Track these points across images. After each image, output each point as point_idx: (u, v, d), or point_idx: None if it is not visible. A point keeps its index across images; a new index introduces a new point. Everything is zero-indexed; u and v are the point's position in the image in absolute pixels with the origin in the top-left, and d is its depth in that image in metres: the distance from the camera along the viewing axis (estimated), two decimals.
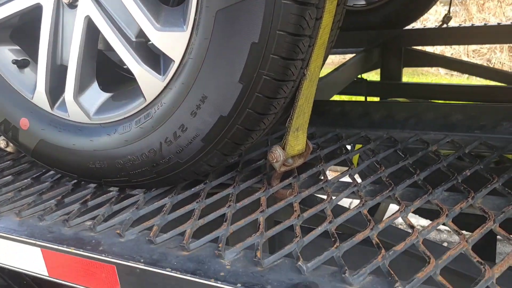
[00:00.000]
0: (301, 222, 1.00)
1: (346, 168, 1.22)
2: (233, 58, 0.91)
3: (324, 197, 1.09)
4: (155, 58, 1.05)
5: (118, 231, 1.02)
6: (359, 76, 3.34)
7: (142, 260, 0.92)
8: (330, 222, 0.96)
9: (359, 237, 0.90)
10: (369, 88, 3.32)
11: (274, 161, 1.11)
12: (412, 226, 0.90)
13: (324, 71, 2.36)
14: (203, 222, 1.04)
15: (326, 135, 1.53)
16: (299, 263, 0.83)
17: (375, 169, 1.21)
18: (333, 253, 0.86)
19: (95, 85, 1.18)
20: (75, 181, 1.32)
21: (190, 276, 0.86)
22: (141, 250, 0.96)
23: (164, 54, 1.00)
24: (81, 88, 1.17)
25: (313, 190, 1.15)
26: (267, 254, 0.89)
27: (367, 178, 1.17)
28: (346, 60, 2.84)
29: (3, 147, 1.60)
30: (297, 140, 1.12)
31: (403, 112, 1.55)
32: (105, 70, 1.29)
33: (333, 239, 0.89)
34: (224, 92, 0.95)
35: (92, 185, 1.30)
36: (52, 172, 1.38)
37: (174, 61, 0.99)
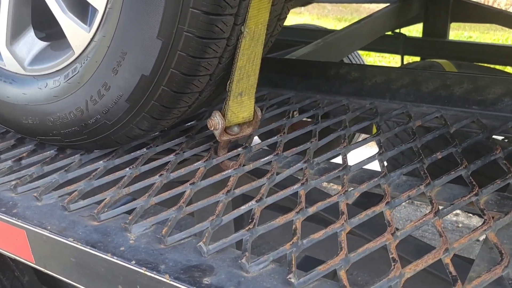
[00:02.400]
0: (229, 199, 1.03)
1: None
2: (149, 11, 0.93)
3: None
4: (83, 7, 1.07)
5: (35, 194, 1.09)
6: (397, 30, 3.23)
7: (49, 227, 0.99)
8: (258, 201, 0.98)
9: (279, 220, 0.92)
10: (407, 45, 3.21)
11: (213, 128, 1.13)
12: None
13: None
14: (128, 191, 1.09)
15: (303, 102, 1.53)
16: (200, 244, 0.87)
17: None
18: (242, 235, 0.88)
19: (30, 33, 1.23)
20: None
21: (90, 249, 0.91)
22: (53, 216, 1.03)
23: (89, 2, 1.03)
24: (14, 34, 1.22)
25: (258, 164, 1.17)
26: (176, 231, 0.93)
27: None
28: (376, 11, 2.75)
29: None
30: (241, 107, 1.13)
31: (400, 80, 1.52)
32: (44, 17, 1.34)
33: (250, 221, 0.91)
34: (143, 48, 0.97)
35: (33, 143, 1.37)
36: None
37: (98, 10, 1.02)
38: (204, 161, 1.18)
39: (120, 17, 0.98)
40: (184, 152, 1.25)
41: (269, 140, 1.28)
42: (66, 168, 1.20)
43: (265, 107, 1.53)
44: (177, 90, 1.03)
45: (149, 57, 0.98)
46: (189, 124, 1.43)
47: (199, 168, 1.15)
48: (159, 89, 1.02)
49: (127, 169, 1.17)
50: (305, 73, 1.66)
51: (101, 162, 1.22)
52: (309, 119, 1.46)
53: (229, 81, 1.08)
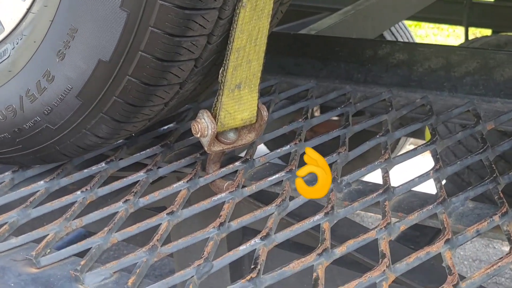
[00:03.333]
0: (223, 234, 1.03)
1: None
2: None
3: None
4: None
5: None
6: None
7: None
8: (263, 238, 0.98)
9: (295, 266, 0.92)
10: (474, 14, 3.22)
11: (199, 135, 1.13)
12: None
13: None
14: (80, 224, 1.09)
15: (326, 95, 1.54)
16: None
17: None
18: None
19: None
20: None
21: None
22: None
23: None
24: None
25: (264, 184, 1.17)
26: (149, 281, 0.93)
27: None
28: None
29: None
30: (239, 104, 1.13)
31: (464, 64, 1.52)
32: None
33: (252, 266, 0.92)
34: (101, 23, 0.98)
35: None
36: None
37: None
38: (187, 181, 1.18)
39: None
40: (158, 168, 1.26)
41: (279, 150, 1.28)
42: None
43: (274, 104, 1.53)
44: (148, 81, 1.04)
45: (109, 35, 0.98)
46: (165, 128, 1.44)
47: (180, 190, 1.16)
48: (124, 80, 1.03)
49: (79, 192, 1.18)
50: (329, 55, 1.67)
51: (41, 182, 1.23)
52: (335, 120, 1.46)
53: (222, 68, 1.08)
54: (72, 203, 1.15)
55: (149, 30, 0.97)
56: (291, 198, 1.12)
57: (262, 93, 1.50)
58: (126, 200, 1.13)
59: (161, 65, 1.02)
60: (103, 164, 1.28)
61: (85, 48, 1.01)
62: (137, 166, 1.29)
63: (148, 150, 1.33)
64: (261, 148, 1.32)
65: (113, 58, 1.00)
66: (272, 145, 1.36)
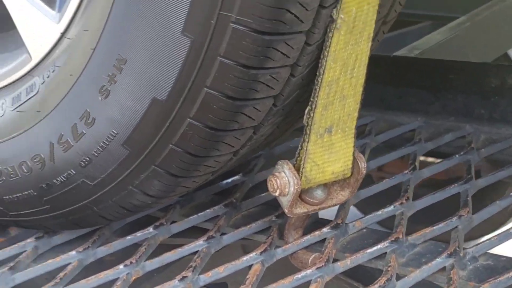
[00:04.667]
0: None
1: None
2: None
3: None
4: None
5: None
6: None
7: None
8: None
9: None
10: None
11: (278, 193, 1.15)
12: None
13: None
14: None
15: (439, 138, 1.54)
16: None
17: None
18: None
19: None
20: None
21: None
22: None
23: None
24: None
25: (362, 257, 1.18)
26: None
27: None
28: None
29: None
30: (329, 153, 1.15)
31: None
32: None
33: None
34: (157, 53, 1.01)
35: None
36: None
37: None
38: (260, 252, 1.20)
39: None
40: (222, 234, 1.28)
41: (379, 212, 1.29)
42: (10, 264, 1.25)
43: (369, 149, 1.54)
44: (215, 125, 1.06)
45: (167, 67, 1.01)
46: (229, 181, 1.46)
47: (252, 265, 1.17)
48: (183, 124, 1.06)
49: (121, 266, 1.20)
50: (441, 84, 1.67)
51: (73, 252, 1.26)
52: (453, 172, 1.45)
53: (308, 107, 1.10)
54: (114, 281, 1.18)
55: (217, 61, 1.00)
56: (399, 277, 1.12)
57: None
58: (183, 277, 1.15)
59: (231, 104, 1.04)
60: (150, 229, 1.30)
61: (136, 84, 1.04)
62: (194, 232, 1.31)
63: (208, 210, 1.35)
64: (354, 210, 1.33)
65: (170, 96, 1.03)
66: (368, 205, 1.37)
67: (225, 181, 1.46)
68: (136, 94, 1.05)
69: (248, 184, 1.44)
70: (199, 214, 1.35)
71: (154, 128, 1.07)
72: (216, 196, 1.43)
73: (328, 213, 1.29)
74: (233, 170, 1.46)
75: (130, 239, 1.29)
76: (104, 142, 1.10)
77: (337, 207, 1.28)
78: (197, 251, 1.24)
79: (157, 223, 1.32)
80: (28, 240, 1.32)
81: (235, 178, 1.46)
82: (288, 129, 1.27)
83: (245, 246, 1.51)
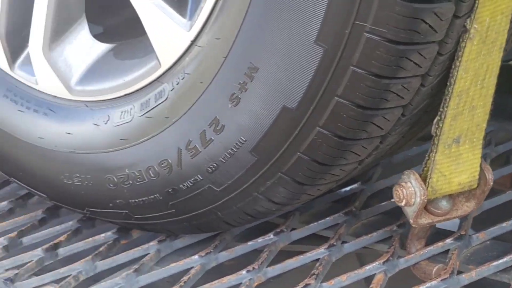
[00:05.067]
0: None
1: None
2: None
3: None
4: None
5: None
6: None
7: None
8: None
9: None
10: None
11: (404, 203, 1.15)
12: None
13: None
14: None
15: None
16: None
17: None
18: None
19: (83, 29, 1.33)
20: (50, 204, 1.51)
21: None
22: None
23: None
24: (56, 32, 1.33)
25: (487, 270, 1.16)
26: None
27: None
28: None
29: None
30: (457, 164, 1.14)
31: None
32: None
33: None
34: (289, 61, 1.02)
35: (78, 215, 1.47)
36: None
37: None
38: (383, 262, 1.19)
39: (250, 7, 1.03)
40: (343, 242, 1.28)
41: (503, 224, 1.27)
42: (135, 267, 1.27)
43: (489, 159, 1.52)
44: (344, 134, 1.06)
45: (299, 76, 1.02)
46: (347, 189, 1.46)
47: (375, 274, 1.17)
48: (312, 133, 1.06)
49: (244, 271, 1.22)
50: None
51: (195, 257, 1.28)
52: None
53: (437, 117, 1.10)
54: (236, 286, 1.19)
55: (350, 70, 1.00)
56: None
57: None
58: (306, 285, 1.15)
59: (361, 113, 1.04)
60: (271, 235, 1.31)
61: (267, 92, 1.06)
62: (314, 239, 1.32)
63: (327, 218, 1.35)
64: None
65: (301, 104, 1.04)
66: (489, 216, 1.35)
67: (343, 189, 1.46)
68: (267, 102, 1.06)
69: (366, 193, 1.43)
70: (319, 221, 1.35)
71: (283, 136, 1.08)
72: (335, 204, 1.43)
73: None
74: (351, 178, 1.46)
75: (251, 244, 1.31)
76: (232, 149, 1.12)
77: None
78: (318, 259, 1.24)
79: (278, 230, 1.32)
80: (151, 243, 1.35)
81: (354, 186, 1.46)
82: (412, 138, 1.27)
83: (360, 255, 1.51)
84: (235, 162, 1.13)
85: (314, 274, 1.18)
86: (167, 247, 1.34)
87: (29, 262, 1.33)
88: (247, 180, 1.14)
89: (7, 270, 1.34)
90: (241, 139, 1.10)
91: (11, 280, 1.27)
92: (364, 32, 0.97)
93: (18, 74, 1.40)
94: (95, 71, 1.32)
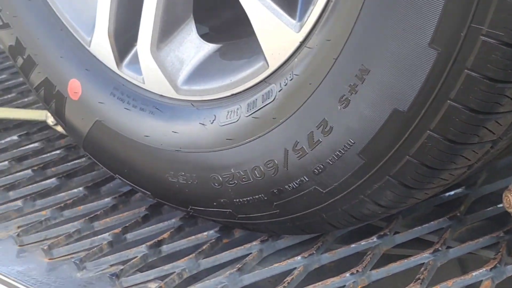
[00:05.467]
0: None
1: None
2: None
3: None
4: None
5: None
6: None
7: None
8: None
9: None
10: None
11: None
12: None
13: None
14: None
15: None
16: None
17: None
18: None
19: (190, 30, 1.35)
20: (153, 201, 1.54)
21: None
22: None
23: None
24: (164, 33, 1.35)
25: None
26: None
27: None
28: None
29: (51, 123, 1.91)
30: None
31: None
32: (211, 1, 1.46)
33: None
34: (401, 64, 1.01)
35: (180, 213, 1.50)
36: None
37: None
38: (490, 268, 1.18)
39: (363, 8, 1.03)
40: (448, 247, 1.27)
41: None
42: (238, 266, 1.28)
43: None
44: (455, 138, 1.05)
45: (411, 79, 1.01)
46: (451, 193, 1.44)
47: (482, 281, 1.16)
48: (422, 136, 1.05)
49: (347, 274, 1.22)
50: None
51: (298, 258, 1.29)
52: None
53: None
54: None
55: (464, 73, 0.99)
56: None
57: None
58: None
59: (474, 118, 1.03)
60: (374, 238, 1.31)
61: (377, 94, 1.05)
62: (417, 243, 1.31)
63: (432, 222, 1.34)
64: None
65: (412, 107, 1.03)
66: None
67: (447, 194, 1.44)
68: (377, 104, 1.06)
69: (471, 198, 1.42)
70: (423, 226, 1.34)
71: (392, 139, 1.07)
72: (438, 208, 1.42)
73: None
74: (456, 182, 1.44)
75: (354, 247, 1.31)
76: (339, 151, 1.12)
77: None
78: (422, 263, 1.23)
79: (381, 233, 1.32)
80: (254, 243, 1.36)
81: (458, 191, 1.45)
82: None
83: (462, 260, 1.49)
84: (342, 164, 1.13)
85: (419, 279, 1.17)
86: (269, 247, 1.35)
87: (134, 258, 1.36)
88: (354, 182, 1.14)
89: (112, 265, 1.38)
90: (350, 141, 1.10)
91: (117, 275, 1.30)
92: (480, 35, 0.95)
93: (125, 73, 1.43)
94: (201, 71, 1.33)
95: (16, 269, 1.40)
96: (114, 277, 1.29)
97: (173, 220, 1.49)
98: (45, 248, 1.42)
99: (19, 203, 1.64)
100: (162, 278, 1.31)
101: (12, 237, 1.50)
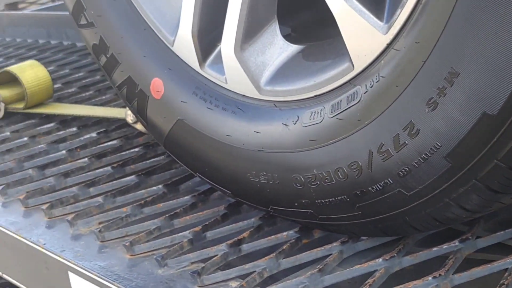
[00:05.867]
0: None
1: None
2: None
3: None
4: None
5: None
6: None
7: None
8: None
9: None
10: None
11: None
12: None
13: None
14: None
15: None
16: None
17: None
18: None
19: (274, 31, 1.36)
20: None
21: None
22: None
23: None
24: (248, 33, 1.36)
25: None
26: None
27: None
28: None
29: (130, 122, 1.94)
30: None
31: None
32: (295, 2, 1.47)
33: None
34: (491, 67, 1.01)
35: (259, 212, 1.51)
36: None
37: None
38: None
39: (453, 12, 1.02)
40: None
41: None
42: (319, 267, 1.28)
43: None
44: None
45: (501, 82, 1.00)
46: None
47: None
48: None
49: (430, 277, 1.21)
50: None
51: (379, 260, 1.28)
52: None
53: None
54: None
55: None
56: None
57: None
58: None
59: None
60: (456, 242, 1.30)
61: (467, 97, 1.04)
62: (499, 248, 1.30)
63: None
64: None
65: (503, 111, 1.02)
66: None
67: None
68: (466, 107, 1.05)
69: None
70: (506, 230, 1.32)
71: (480, 142, 1.06)
72: None
73: None
74: None
75: (436, 250, 1.30)
76: (426, 154, 1.11)
77: None
78: (506, 269, 1.21)
79: (463, 237, 1.30)
80: (334, 244, 1.36)
81: None
82: None
83: None
84: (428, 167, 1.12)
85: (503, 284, 1.16)
86: (349, 248, 1.35)
87: (214, 256, 1.37)
88: (439, 185, 1.13)
89: (192, 263, 1.39)
90: (436, 144, 1.09)
91: (198, 273, 1.31)
92: None
93: (208, 72, 1.45)
94: (284, 72, 1.35)
95: (99, 264, 1.42)
96: (195, 275, 1.31)
97: (252, 219, 1.49)
98: (127, 244, 1.44)
99: (99, 199, 1.68)
100: (242, 277, 1.32)
101: (94, 232, 1.53)
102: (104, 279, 1.37)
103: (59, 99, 2.44)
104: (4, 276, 1.73)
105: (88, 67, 2.78)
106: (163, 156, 1.86)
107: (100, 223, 1.59)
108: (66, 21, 3.30)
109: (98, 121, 2.17)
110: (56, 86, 2.41)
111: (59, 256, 1.49)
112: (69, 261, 1.46)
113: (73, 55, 3.05)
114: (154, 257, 1.40)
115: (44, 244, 1.54)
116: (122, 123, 2.08)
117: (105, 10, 1.58)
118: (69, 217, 1.60)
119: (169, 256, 1.40)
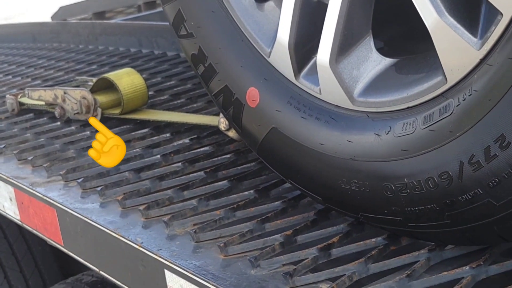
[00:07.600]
0: None
1: None
2: None
3: None
4: (469, 8, 1.19)
5: None
6: None
7: None
8: None
9: None
10: None
11: None
12: None
13: None
14: None
15: None
16: None
17: None
18: None
19: (368, 44, 1.41)
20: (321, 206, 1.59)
21: None
22: None
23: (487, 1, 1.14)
24: (343, 46, 1.41)
25: None
26: None
27: None
28: None
29: (223, 129, 2.00)
30: None
31: None
32: (390, 16, 1.50)
33: None
34: None
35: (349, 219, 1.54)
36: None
37: (501, 14, 1.12)
38: None
39: None
40: None
41: None
42: (407, 272, 1.32)
43: None
44: None
45: None
46: None
47: None
48: None
49: None
50: None
51: (466, 268, 1.31)
52: None
53: None
54: None
55: None
56: None
57: None
58: None
59: None
60: None
61: None
62: None
63: None
64: None
65: None
66: None
67: None
68: None
69: None
70: None
71: None
72: None
73: None
74: None
75: None
76: None
77: None
78: None
79: None
80: (421, 251, 1.39)
81: None
82: None
83: None
84: None
85: None
86: (436, 256, 1.38)
87: (305, 259, 1.42)
88: None
89: (284, 265, 1.44)
90: None
91: (290, 274, 1.36)
92: None
93: (302, 83, 1.50)
94: (377, 84, 1.38)
95: (194, 263, 1.48)
96: (287, 276, 1.35)
97: (341, 225, 1.53)
98: (221, 245, 1.50)
99: (193, 202, 1.73)
100: (332, 279, 1.36)
101: (189, 233, 1.59)
102: (199, 277, 1.42)
103: (152, 106, 2.51)
104: (101, 272, 1.80)
105: (179, 76, 2.85)
106: (253, 163, 1.91)
107: (194, 224, 1.64)
108: (157, 31, 3.40)
109: (190, 128, 2.24)
110: (149, 93, 2.48)
111: (155, 255, 1.55)
112: (165, 260, 1.52)
113: (164, 63, 3.13)
114: (248, 258, 1.45)
115: (142, 242, 1.60)
116: (213, 130, 2.14)
117: (204, 22, 1.63)
118: (165, 218, 1.66)
119: (262, 258, 1.45)
